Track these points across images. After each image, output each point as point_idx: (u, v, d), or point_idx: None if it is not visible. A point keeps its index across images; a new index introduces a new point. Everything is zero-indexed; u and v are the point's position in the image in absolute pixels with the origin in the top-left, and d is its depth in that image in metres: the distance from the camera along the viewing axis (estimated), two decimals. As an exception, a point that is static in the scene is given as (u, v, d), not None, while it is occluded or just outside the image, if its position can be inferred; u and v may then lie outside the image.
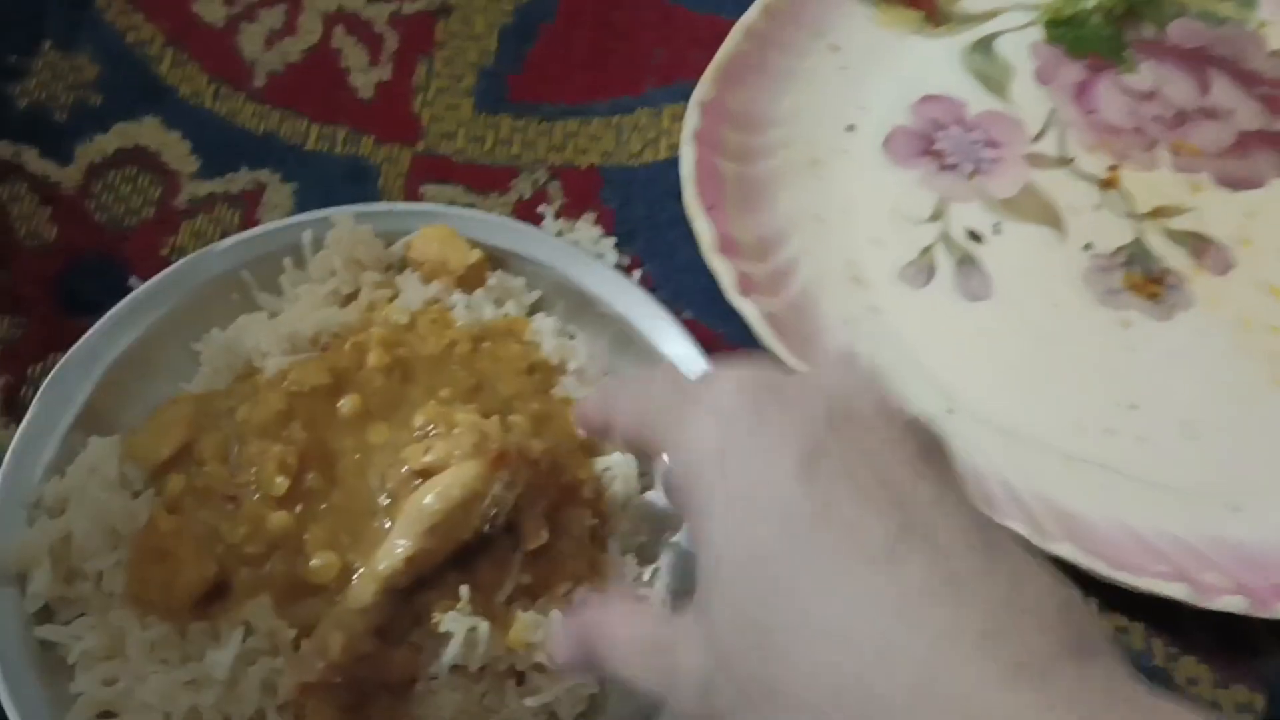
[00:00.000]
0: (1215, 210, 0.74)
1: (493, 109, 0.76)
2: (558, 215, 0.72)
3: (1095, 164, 0.75)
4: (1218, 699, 0.60)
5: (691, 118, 0.72)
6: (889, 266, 0.71)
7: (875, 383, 0.40)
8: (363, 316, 0.62)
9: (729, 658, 0.38)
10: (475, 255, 0.63)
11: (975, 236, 0.72)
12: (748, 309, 0.65)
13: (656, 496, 0.60)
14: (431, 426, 0.55)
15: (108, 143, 0.73)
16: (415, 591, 0.53)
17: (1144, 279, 0.71)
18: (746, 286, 0.66)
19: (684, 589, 0.58)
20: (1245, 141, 0.77)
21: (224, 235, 0.69)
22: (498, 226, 0.66)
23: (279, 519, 0.54)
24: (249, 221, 0.70)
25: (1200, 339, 0.69)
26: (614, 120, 0.76)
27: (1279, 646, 0.61)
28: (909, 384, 0.66)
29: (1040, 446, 0.65)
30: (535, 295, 0.65)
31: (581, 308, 0.64)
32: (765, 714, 0.37)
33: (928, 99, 0.78)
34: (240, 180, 0.72)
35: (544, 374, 0.61)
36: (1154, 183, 0.75)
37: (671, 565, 0.59)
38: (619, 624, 0.44)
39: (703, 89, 0.73)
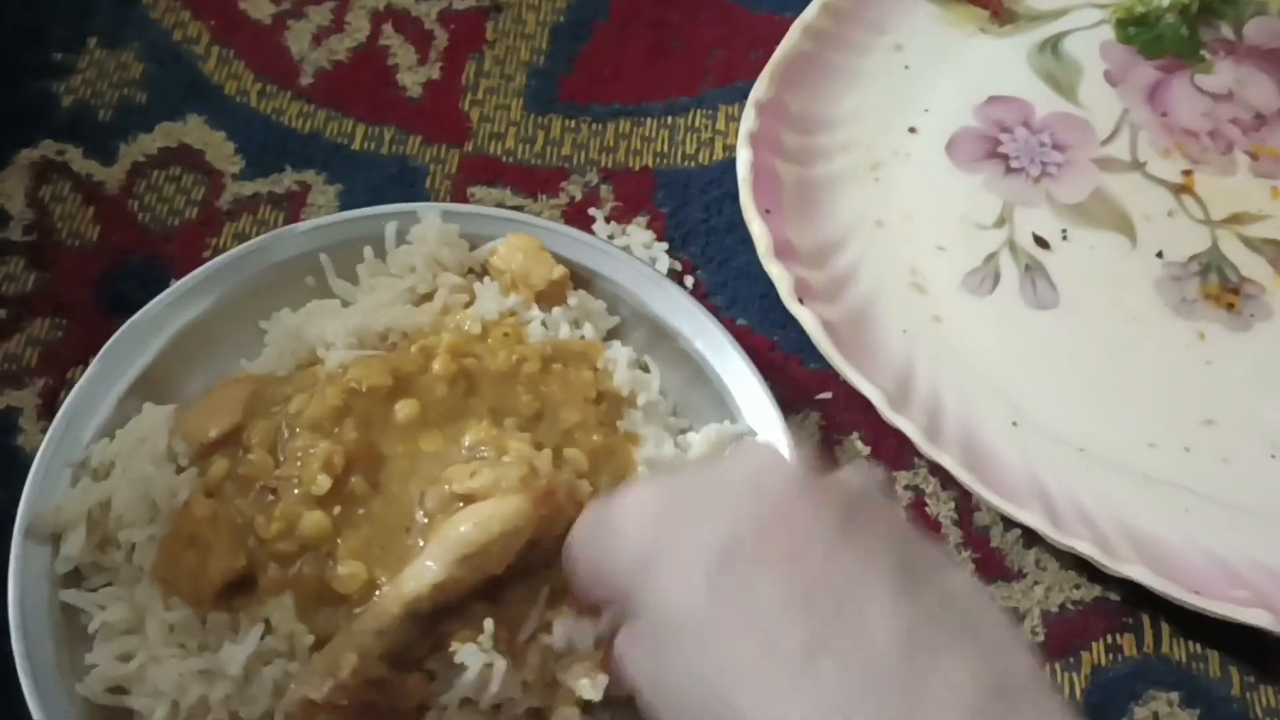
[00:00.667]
0: (1296, 217, 0.71)
1: (543, 109, 0.74)
2: (609, 218, 0.70)
3: (1168, 168, 0.72)
4: (1299, 732, 0.57)
5: (748, 119, 0.69)
6: (952, 274, 0.68)
7: (786, 463, 0.40)
8: (435, 319, 0.60)
9: None
10: (559, 271, 0.61)
11: (1042, 243, 0.70)
12: (805, 316, 0.62)
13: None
14: (483, 449, 0.53)
15: (152, 141, 0.71)
16: (436, 618, 0.51)
17: (1220, 288, 0.68)
18: (804, 293, 0.63)
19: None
20: (1327, 145, 0.74)
21: (268, 237, 0.67)
22: (585, 245, 0.63)
23: (315, 519, 0.53)
24: (293, 222, 0.69)
25: (1281, 352, 0.66)
26: (668, 121, 0.74)
27: (1365, 678, 0.58)
28: (972, 395, 0.64)
29: (1112, 464, 0.62)
30: (614, 321, 0.63)
31: (659, 339, 0.62)
32: None
33: (993, 100, 0.75)
34: (285, 181, 0.70)
35: (612, 404, 0.59)
36: (1231, 188, 0.72)
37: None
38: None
39: (760, 89, 0.71)
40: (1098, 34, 0.78)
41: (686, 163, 0.73)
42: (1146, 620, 0.60)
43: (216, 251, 0.68)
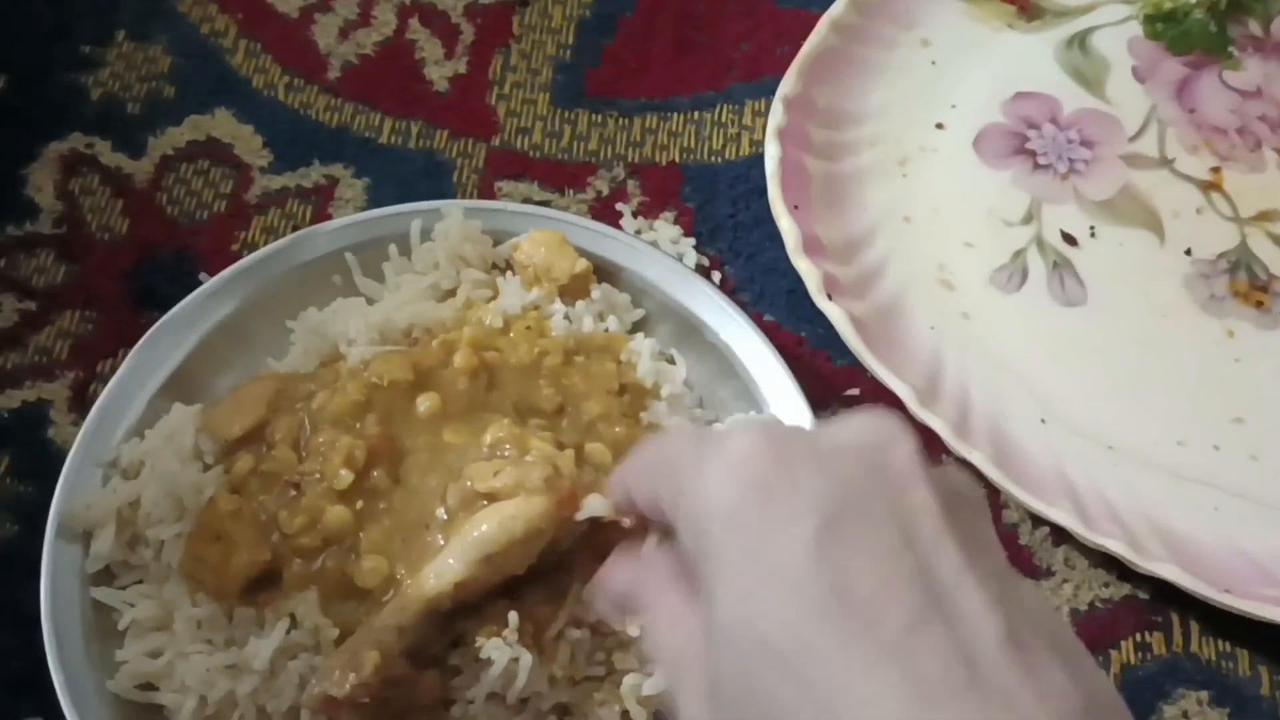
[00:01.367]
0: (1326, 214, 0.70)
1: (570, 104, 0.74)
2: (636, 213, 0.70)
3: (1197, 165, 0.72)
4: (1329, 731, 0.57)
5: (776, 113, 0.69)
6: (980, 270, 0.68)
7: (909, 439, 0.37)
8: (458, 314, 0.60)
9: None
10: (582, 265, 0.61)
11: (1070, 240, 0.69)
12: (834, 312, 0.62)
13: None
14: (505, 447, 0.53)
15: (180, 135, 0.71)
16: (455, 615, 0.52)
17: (1249, 286, 0.68)
18: (832, 289, 0.63)
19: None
20: (1357, 143, 0.73)
21: (295, 230, 0.67)
22: (609, 238, 0.64)
23: (337, 513, 0.53)
24: (321, 217, 0.69)
25: (1311, 350, 0.66)
26: (694, 116, 0.74)
27: (1396, 677, 0.58)
28: (1000, 392, 0.64)
29: (1141, 461, 0.62)
30: (639, 314, 0.63)
31: (686, 333, 0.62)
32: None
33: (1020, 96, 0.75)
34: (313, 174, 0.71)
35: (635, 396, 0.59)
36: (1260, 185, 0.72)
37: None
38: (653, 593, 0.42)
39: (788, 84, 0.71)
40: (1125, 30, 0.78)
41: (713, 158, 0.73)
42: (1175, 618, 0.60)
43: (245, 245, 0.68)
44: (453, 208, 0.63)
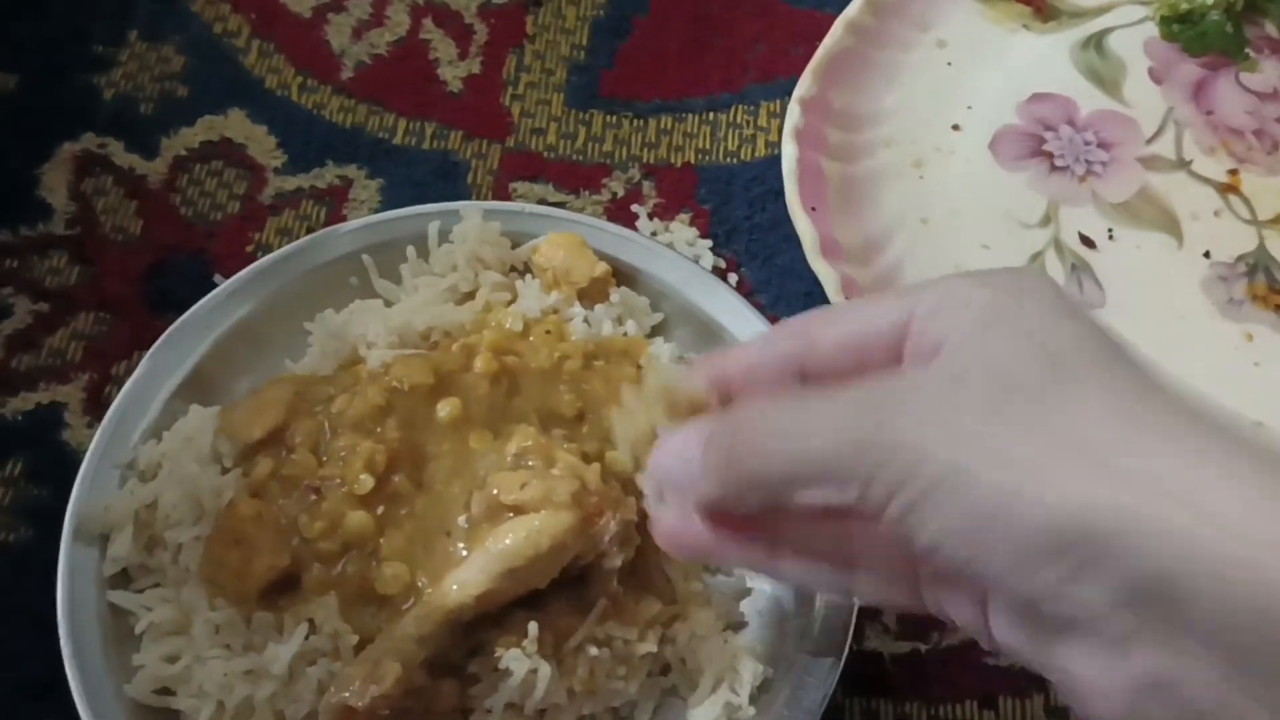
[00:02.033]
0: (1344, 217, 0.70)
1: (584, 104, 0.74)
2: (652, 215, 0.70)
3: (1214, 167, 0.72)
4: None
5: (792, 115, 0.69)
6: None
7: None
8: (477, 318, 0.60)
9: (957, 464, 0.34)
10: (601, 268, 0.61)
11: (1088, 242, 0.69)
12: (853, 316, 0.62)
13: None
14: (530, 458, 0.53)
15: (193, 135, 0.71)
16: (475, 625, 0.51)
17: (1268, 289, 0.68)
18: (850, 292, 0.63)
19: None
20: (1375, 145, 0.73)
21: (310, 232, 0.67)
22: (628, 241, 0.63)
23: (358, 519, 0.53)
24: (335, 218, 0.69)
25: (1330, 353, 0.66)
26: (709, 117, 0.74)
27: None
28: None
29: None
30: (658, 318, 0.63)
31: (705, 337, 0.62)
32: (984, 536, 0.34)
33: (1036, 98, 0.74)
34: (327, 175, 0.70)
35: None
36: (1277, 187, 0.71)
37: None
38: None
39: (804, 85, 0.70)
40: (1141, 31, 0.77)
41: (728, 159, 0.72)
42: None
43: (260, 246, 0.68)
44: (471, 209, 0.62)
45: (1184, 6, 0.77)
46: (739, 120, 0.74)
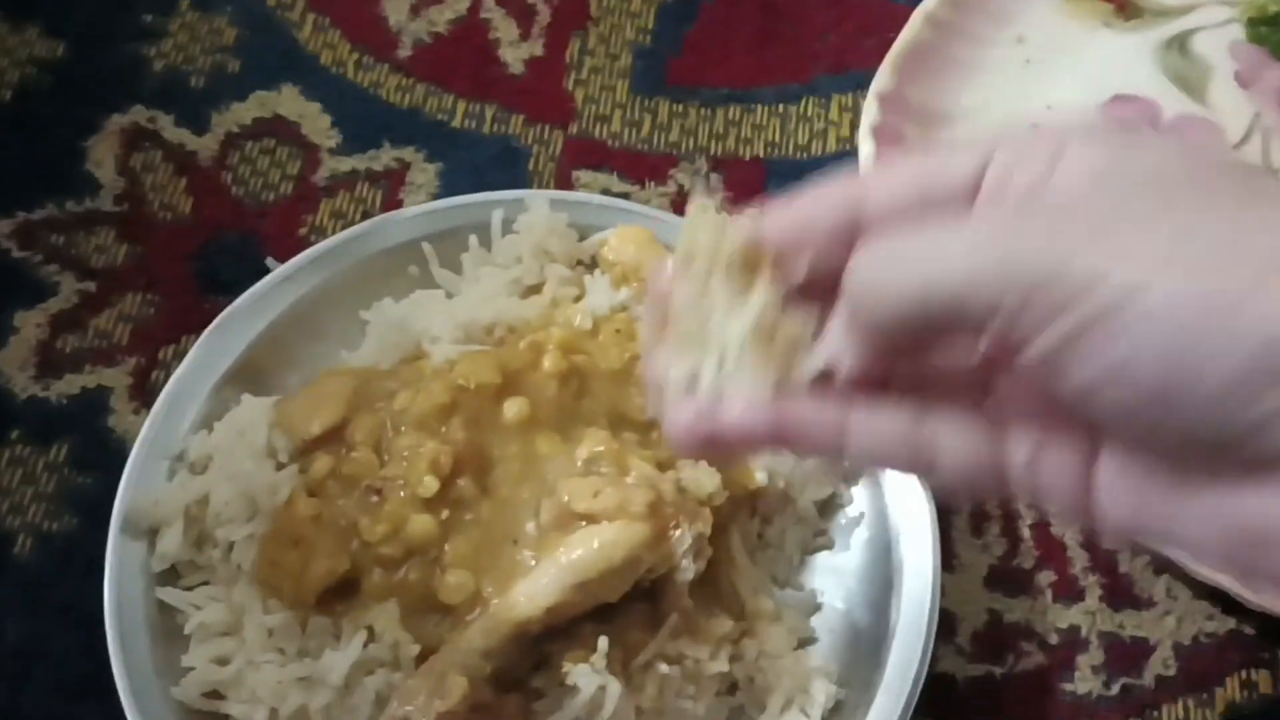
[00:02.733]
0: None
1: (650, 91, 0.71)
2: (719, 210, 0.67)
3: (1303, 177, 0.69)
4: None
5: (870, 111, 0.66)
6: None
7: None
8: (544, 313, 0.57)
9: (1144, 284, 0.29)
10: None
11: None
12: (932, 323, 0.60)
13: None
14: (601, 465, 0.50)
15: (245, 111, 0.69)
16: (541, 638, 0.49)
17: (1358, 307, 0.65)
18: (929, 298, 0.60)
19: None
20: None
21: (365, 216, 0.65)
22: None
23: (422, 523, 0.50)
24: (391, 203, 0.66)
25: None
26: (779, 109, 0.71)
27: None
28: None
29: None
30: None
31: None
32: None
33: (1118, 99, 0.72)
34: (383, 157, 0.68)
35: None
36: (1368, 200, 0.69)
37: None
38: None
39: (881, 80, 0.68)
40: (1227, 33, 0.74)
41: (799, 153, 0.70)
42: (1283, 656, 0.57)
43: (312, 229, 0.65)
44: (538, 199, 0.60)
45: (1272, 9, 0.74)
46: (809, 113, 0.71)
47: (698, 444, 0.36)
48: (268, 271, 0.59)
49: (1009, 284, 0.31)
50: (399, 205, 0.66)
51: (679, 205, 0.67)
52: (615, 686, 0.48)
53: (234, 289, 0.59)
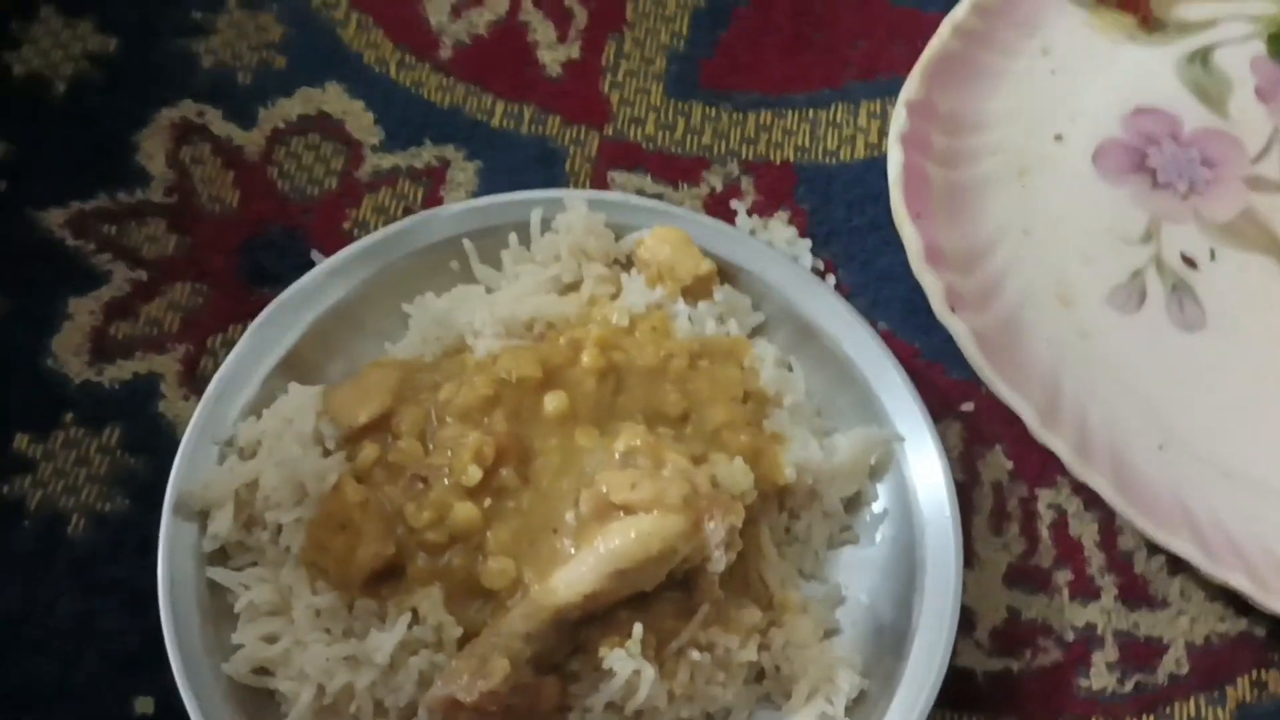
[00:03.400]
0: None
1: (684, 95, 0.73)
2: (750, 212, 0.69)
3: (1320, 191, 0.71)
4: None
5: (899, 119, 0.68)
6: (1098, 288, 0.67)
7: None
8: (582, 310, 0.59)
9: None
10: (706, 266, 0.60)
11: (1190, 262, 0.68)
12: (957, 327, 0.61)
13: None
14: (639, 457, 0.52)
15: (291, 107, 0.71)
16: (579, 624, 0.51)
17: (1372, 318, 0.67)
18: (955, 302, 0.62)
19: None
20: None
21: (407, 213, 0.67)
22: (731, 238, 0.62)
23: (466, 510, 0.52)
24: (433, 199, 0.68)
25: None
26: (810, 114, 0.73)
27: None
28: (1119, 415, 0.63)
29: (1265, 491, 0.61)
30: (759, 318, 0.62)
31: (804, 338, 0.61)
32: None
33: (1141, 111, 0.73)
34: (424, 155, 0.70)
35: (758, 404, 0.58)
36: (1385, 215, 0.70)
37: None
38: None
39: (911, 88, 0.69)
40: (1248, 48, 0.76)
41: (828, 159, 0.72)
42: (1293, 656, 0.59)
43: (356, 224, 0.67)
44: (576, 199, 0.62)
45: (1292, 25, 0.76)
46: (839, 119, 0.73)
47: None
48: (312, 264, 0.61)
49: None
50: (440, 202, 0.68)
51: (710, 207, 0.69)
52: (649, 671, 0.50)
53: (279, 281, 0.61)
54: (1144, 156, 0.72)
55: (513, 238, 0.62)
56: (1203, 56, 0.76)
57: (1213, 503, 0.60)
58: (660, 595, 0.52)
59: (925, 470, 0.58)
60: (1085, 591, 0.60)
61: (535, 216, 0.62)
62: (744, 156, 0.71)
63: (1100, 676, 0.59)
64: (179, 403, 0.61)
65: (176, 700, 0.50)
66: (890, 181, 0.66)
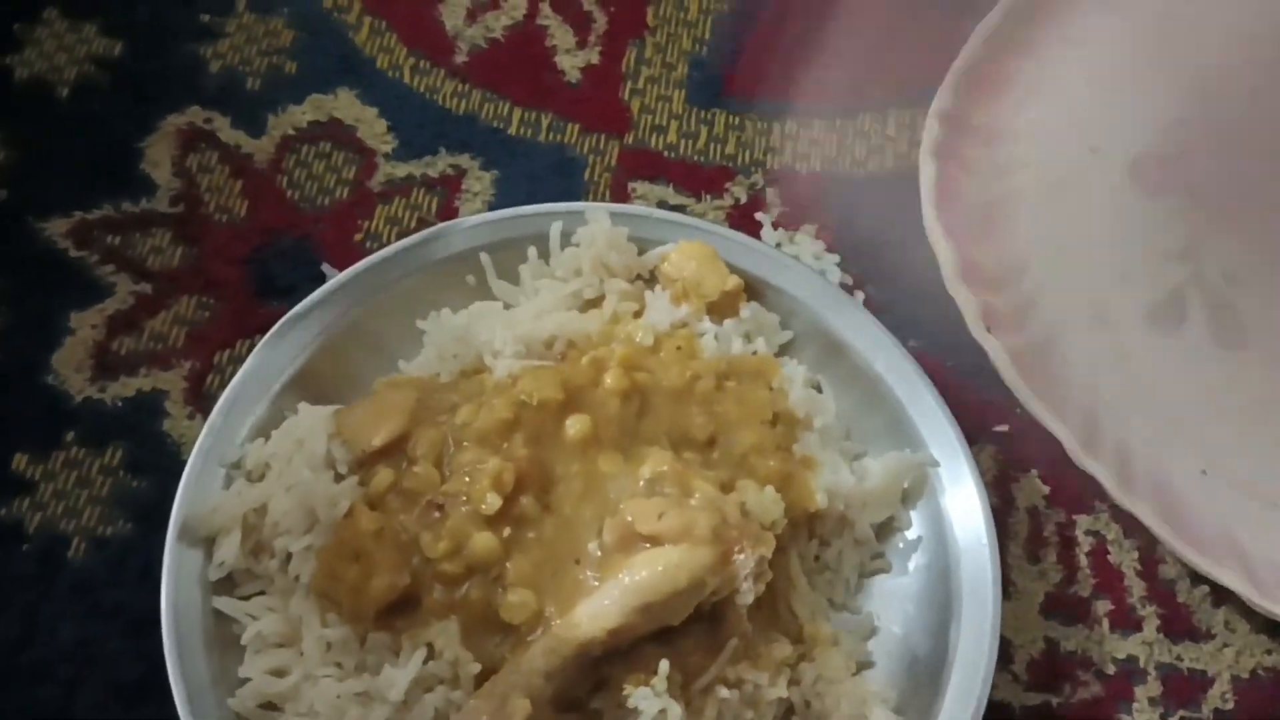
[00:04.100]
0: None
1: (706, 103, 0.71)
2: (776, 224, 0.66)
3: (1364, 206, 0.69)
4: None
5: (931, 130, 0.66)
6: (1135, 307, 0.65)
7: None
8: (604, 329, 0.57)
9: None
10: (733, 282, 0.58)
11: (1230, 279, 0.66)
12: (994, 347, 0.59)
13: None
14: (666, 485, 0.50)
15: (301, 114, 0.68)
16: (602, 660, 0.49)
17: None
18: (991, 320, 0.60)
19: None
20: None
21: (420, 223, 0.65)
22: (758, 252, 0.60)
23: (484, 540, 0.50)
24: (447, 208, 0.66)
25: None
26: (836, 124, 0.71)
27: None
28: (1160, 439, 0.60)
29: (1312, 521, 0.59)
30: (787, 335, 0.60)
31: (832, 356, 0.59)
32: None
33: (1180, 121, 0.71)
34: (439, 164, 0.67)
35: (787, 427, 0.56)
36: None
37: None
38: None
39: (943, 99, 0.67)
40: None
41: (856, 170, 0.69)
42: (1341, 692, 0.57)
43: (368, 235, 0.65)
44: (598, 212, 0.59)
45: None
46: (867, 129, 0.71)
47: None
48: (322, 276, 0.59)
49: None
50: (454, 212, 0.66)
51: (735, 219, 0.67)
52: (676, 710, 0.48)
53: (289, 294, 0.59)
54: (1183, 169, 0.69)
55: (532, 252, 0.60)
56: (1241, 65, 0.73)
57: (1259, 531, 0.58)
58: (686, 629, 0.50)
59: (960, 495, 0.56)
60: (1126, 623, 0.58)
61: (555, 230, 0.59)
62: (769, 167, 0.69)
63: (1143, 711, 0.56)
64: (184, 422, 0.59)
65: (180, 732, 0.48)
66: (923, 196, 0.64)
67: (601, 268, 0.59)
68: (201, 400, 0.59)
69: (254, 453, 0.54)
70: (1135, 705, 0.56)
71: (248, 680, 0.50)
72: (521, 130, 0.69)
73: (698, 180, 0.68)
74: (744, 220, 0.67)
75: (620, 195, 0.67)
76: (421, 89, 0.70)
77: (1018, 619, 0.58)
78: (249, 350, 0.56)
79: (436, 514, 0.51)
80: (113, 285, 0.62)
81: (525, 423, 0.52)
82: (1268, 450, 0.61)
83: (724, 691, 0.50)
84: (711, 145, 0.69)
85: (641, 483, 0.51)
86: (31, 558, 0.56)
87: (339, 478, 0.53)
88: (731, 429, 0.55)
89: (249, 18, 0.71)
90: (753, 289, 0.60)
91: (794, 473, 0.54)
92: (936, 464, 0.56)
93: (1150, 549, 0.59)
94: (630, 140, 0.69)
